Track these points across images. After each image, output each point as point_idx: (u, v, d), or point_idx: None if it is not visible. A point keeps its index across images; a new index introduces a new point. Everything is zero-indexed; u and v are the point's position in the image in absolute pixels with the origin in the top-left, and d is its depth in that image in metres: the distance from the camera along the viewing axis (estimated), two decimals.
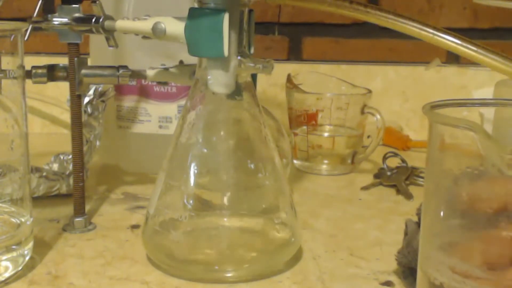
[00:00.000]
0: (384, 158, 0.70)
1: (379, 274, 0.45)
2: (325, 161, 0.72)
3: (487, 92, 0.74)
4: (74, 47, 0.50)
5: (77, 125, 0.51)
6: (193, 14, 0.42)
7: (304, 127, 0.71)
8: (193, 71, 0.46)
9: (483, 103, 0.35)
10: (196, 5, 0.43)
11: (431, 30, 0.42)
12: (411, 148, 0.84)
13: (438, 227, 0.32)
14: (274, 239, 0.46)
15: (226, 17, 0.42)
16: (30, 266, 0.44)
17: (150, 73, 0.51)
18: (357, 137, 0.72)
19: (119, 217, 0.55)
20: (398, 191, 0.65)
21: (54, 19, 0.49)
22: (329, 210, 0.59)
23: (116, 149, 0.68)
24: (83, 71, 0.50)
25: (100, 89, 0.61)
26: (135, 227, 0.53)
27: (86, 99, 0.60)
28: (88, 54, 0.68)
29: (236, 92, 0.44)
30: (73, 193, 0.53)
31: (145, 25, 0.45)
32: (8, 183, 0.43)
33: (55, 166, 0.61)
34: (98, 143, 0.62)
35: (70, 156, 0.54)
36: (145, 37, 0.46)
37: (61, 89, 0.83)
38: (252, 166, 0.45)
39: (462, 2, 0.89)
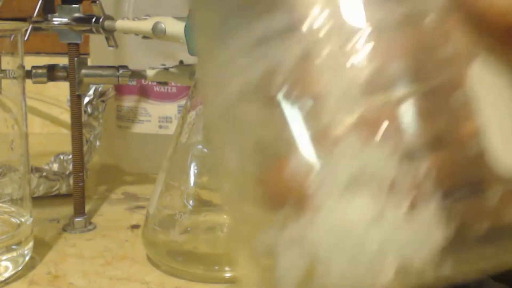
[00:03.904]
0: None
1: None
2: None
3: None
4: (74, 47, 0.50)
5: (77, 125, 0.51)
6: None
7: None
8: (193, 71, 0.46)
9: None
10: None
11: None
12: None
13: None
14: None
15: None
16: (30, 266, 0.44)
17: (150, 73, 0.51)
18: None
19: (119, 217, 0.55)
20: None
21: (54, 19, 0.49)
22: None
23: (116, 149, 0.68)
24: (83, 71, 0.50)
25: (100, 89, 0.61)
26: (135, 227, 0.53)
27: (86, 99, 0.60)
28: (88, 54, 0.68)
29: None
30: (73, 193, 0.53)
31: (145, 25, 0.45)
32: (8, 183, 0.43)
33: (55, 166, 0.61)
34: (98, 143, 0.62)
35: (70, 156, 0.54)
36: (145, 37, 0.46)
37: (61, 89, 0.83)
38: None
39: None
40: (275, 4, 0.19)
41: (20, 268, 0.43)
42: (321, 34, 0.18)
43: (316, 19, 0.18)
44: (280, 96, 0.19)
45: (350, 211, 0.17)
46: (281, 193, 0.19)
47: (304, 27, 0.18)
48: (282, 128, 0.19)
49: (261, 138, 0.20)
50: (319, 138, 0.18)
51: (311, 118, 0.18)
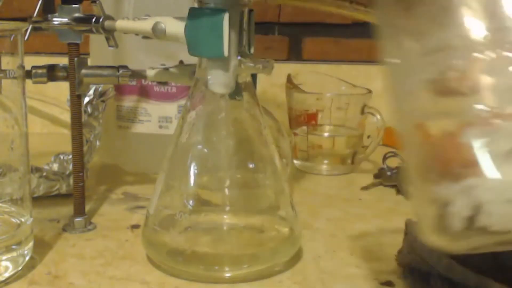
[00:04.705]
0: (384, 158, 0.70)
1: (379, 274, 0.45)
2: (325, 161, 0.72)
3: None
4: (74, 47, 0.50)
5: (77, 125, 0.52)
6: (193, 14, 0.42)
7: (304, 127, 0.71)
8: (193, 71, 0.46)
9: None
10: (196, 5, 0.43)
11: None
12: None
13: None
14: (274, 239, 0.46)
15: (226, 17, 0.42)
16: (30, 266, 0.44)
17: (150, 73, 0.51)
18: (357, 137, 0.72)
19: (119, 217, 0.55)
20: (398, 191, 0.65)
21: (54, 19, 0.49)
22: (329, 210, 0.59)
23: (116, 149, 0.68)
24: (83, 71, 0.50)
25: (100, 89, 0.61)
26: (135, 227, 0.53)
27: (86, 99, 0.60)
28: (88, 54, 0.68)
29: (236, 92, 0.44)
30: (73, 193, 0.53)
31: (145, 25, 0.45)
32: (8, 183, 0.43)
33: (55, 166, 0.61)
34: (98, 143, 0.62)
35: (70, 156, 0.54)
36: (145, 37, 0.46)
37: (61, 89, 0.83)
38: (252, 166, 0.45)
39: None
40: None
41: (20, 268, 0.43)
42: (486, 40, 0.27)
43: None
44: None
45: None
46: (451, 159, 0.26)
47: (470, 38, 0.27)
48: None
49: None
50: (487, 118, 0.25)
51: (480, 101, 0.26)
